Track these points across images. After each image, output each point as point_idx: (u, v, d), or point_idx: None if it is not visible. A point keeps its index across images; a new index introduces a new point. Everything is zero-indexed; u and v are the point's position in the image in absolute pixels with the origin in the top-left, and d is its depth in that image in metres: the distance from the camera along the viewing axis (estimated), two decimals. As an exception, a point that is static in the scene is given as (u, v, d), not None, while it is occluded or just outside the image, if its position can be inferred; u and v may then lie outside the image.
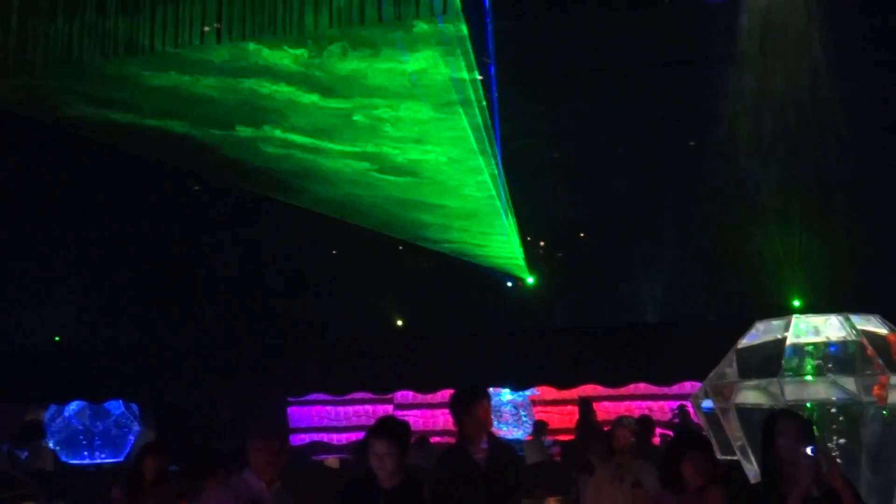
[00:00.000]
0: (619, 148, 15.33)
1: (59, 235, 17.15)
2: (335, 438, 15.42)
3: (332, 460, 12.90)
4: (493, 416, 5.48)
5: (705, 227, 14.51)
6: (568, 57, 12.34)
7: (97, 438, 13.41)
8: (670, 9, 11.48)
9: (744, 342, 6.81)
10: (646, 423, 8.71)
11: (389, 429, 4.44)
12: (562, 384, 9.92)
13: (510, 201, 14.60)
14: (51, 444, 13.28)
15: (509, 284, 17.55)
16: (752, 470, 6.89)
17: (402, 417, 10.74)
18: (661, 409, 14.74)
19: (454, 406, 5.28)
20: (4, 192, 15.46)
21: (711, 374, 6.63)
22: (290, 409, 15.19)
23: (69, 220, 17.28)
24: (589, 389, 13.49)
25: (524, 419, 14.64)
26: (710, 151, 14.29)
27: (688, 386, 13.11)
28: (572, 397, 14.98)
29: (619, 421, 6.97)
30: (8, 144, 14.59)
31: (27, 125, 13.80)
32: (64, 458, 13.07)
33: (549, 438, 12.64)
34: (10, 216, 15.66)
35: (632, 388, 13.77)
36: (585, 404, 10.49)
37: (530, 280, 17.49)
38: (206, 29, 8.81)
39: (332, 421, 15.48)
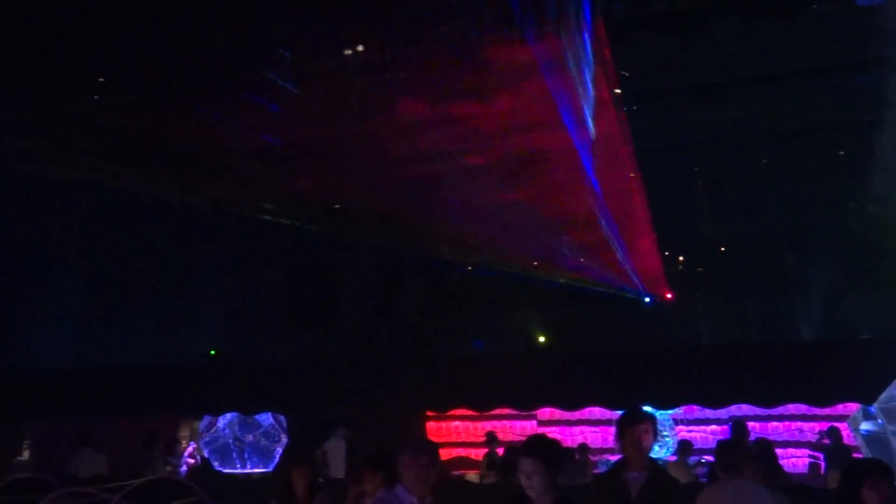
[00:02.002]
0: (763, 159, 14.79)
1: (210, 257, 18.05)
2: (473, 453, 15.47)
3: (472, 475, 12.94)
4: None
5: (862, 239, 13.80)
6: (710, 67, 12.02)
7: (248, 449, 13.95)
8: (819, 14, 10.96)
9: (917, 362, 6.40)
10: (764, 447, 8.27)
11: (538, 447, 4.32)
12: (711, 403, 9.60)
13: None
14: (205, 453, 13.94)
15: (647, 300, 17.22)
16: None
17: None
18: (812, 430, 14.09)
19: (617, 427, 5.20)
20: (157, 218, 16.36)
21: (882, 396, 6.25)
22: (429, 424, 15.36)
23: (218, 242, 18.15)
24: (734, 408, 13.03)
25: (666, 438, 14.28)
26: (862, 160, 13.61)
27: (840, 407, 12.46)
28: (716, 416, 14.52)
29: None
30: (155, 171, 15.45)
31: (175, 150, 14.60)
32: (218, 467, 13.67)
33: (693, 459, 12.28)
34: (165, 241, 16.56)
35: (779, 409, 13.22)
36: (739, 426, 10.12)
37: (669, 296, 17.11)
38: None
39: (473, 436, 15.54)
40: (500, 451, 11.79)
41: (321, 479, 7.20)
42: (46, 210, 14.96)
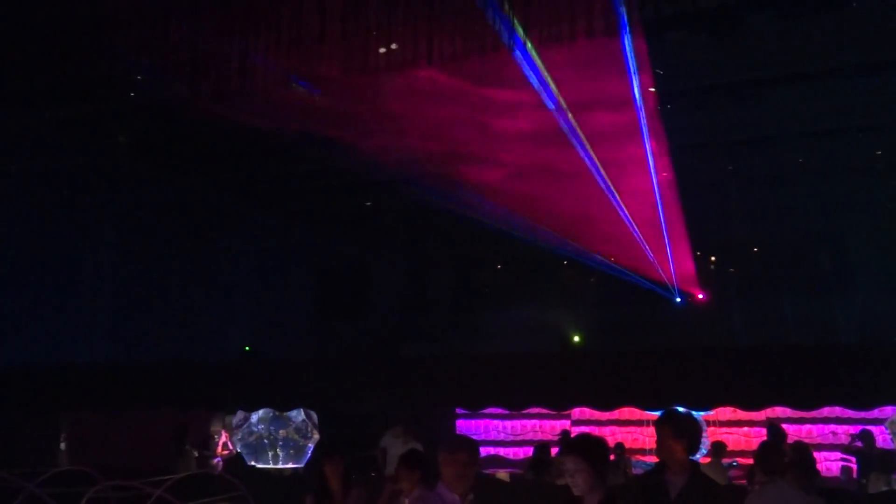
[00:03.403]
0: (799, 158, 14.61)
1: (243, 254, 18.18)
2: (503, 452, 15.51)
3: (502, 474, 12.93)
4: None
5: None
6: (745, 66, 11.87)
7: (279, 444, 14.08)
8: (856, 12, 10.78)
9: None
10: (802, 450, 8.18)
11: (581, 445, 4.28)
12: (746, 405, 9.52)
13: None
14: (238, 448, 14.08)
15: (679, 300, 17.15)
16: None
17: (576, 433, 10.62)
18: (846, 433, 13.97)
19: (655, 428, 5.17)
20: (191, 214, 16.52)
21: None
22: (459, 422, 15.38)
23: (251, 239, 18.28)
24: (766, 410, 12.90)
25: (697, 439, 14.18)
26: (899, 161, 13.42)
27: (875, 410, 12.30)
28: (748, 418, 14.40)
29: None
30: (187, 177, 15.59)
31: (205, 156, 14.71)
32: (252, 463, 13.83)
33: (725, 461, 12.19)
34: (198, 237, 16.70)
35: (813, 411, 13.09)
36: (775, 429, 10.05)
37: (700, 296, 17.04)
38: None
39: (505, 435, 15.58)
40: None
41: (354, 476, 7.22)
42: (80, 207, 15.13)
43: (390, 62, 9.72)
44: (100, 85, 12.34)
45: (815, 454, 9.87)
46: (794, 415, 13.45)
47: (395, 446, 10.64)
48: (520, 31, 8.95)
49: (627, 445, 13.95)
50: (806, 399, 8.78)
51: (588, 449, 4.14)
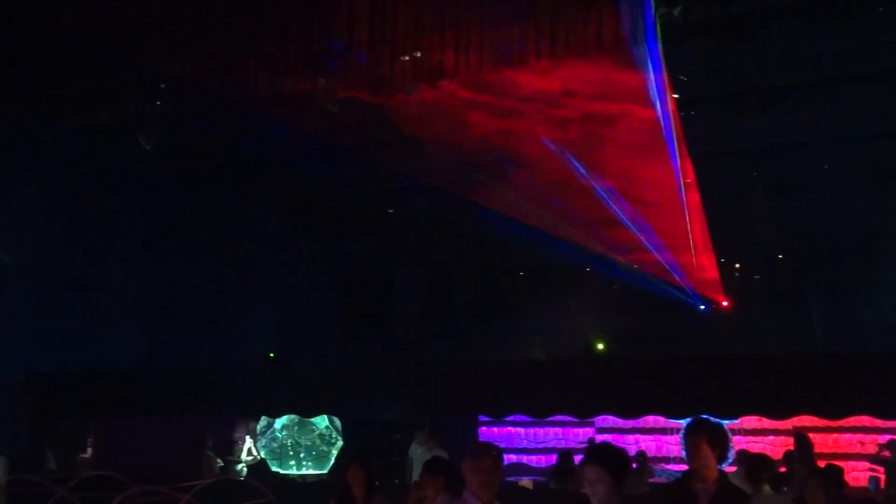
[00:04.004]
0: (824, 165, 14.50)
1: (265, 262, 18.28)
2: (526, 459, 15.50)
3: (526, 482, 12.93)
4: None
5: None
6: (769, 72, 11.81)
7: (303, 451, 14.10)
8: (884, 17, 10.68)
9: None
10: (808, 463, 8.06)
11: (602, 455, 4.30)
12: (773, 414, 9.45)
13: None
14: (262, 454, 14.16)
15: (702, 307, 17.07)
16: None
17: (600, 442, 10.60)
18: (874, 443, 13.83)
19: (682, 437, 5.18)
20: (216, 230, 16.64)
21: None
22: (482, 430, 15.38)
23: (275, 245, 18.38)
24: (795, 420, 12.77)
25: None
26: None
27: (898, 421, 12.15)
28: (774, 427, 14.28)
29: None
30: (211, 184, 15.69)
31: (231, 160, 14.81)
32: (275, 469, 13.90)
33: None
34: (223, 250, 16.82)
35: (841, 420, 12.95)
36: (802, 438, 9.96)
37: (725, 303, 16.94)
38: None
39: (529, 442, 15.57)
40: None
41: (377, 482, 7.25)
42: (106, 214, 15.27)
43: (417, 70, 9.78)
44: (126, 93, 12.46)
45: (842, 464, 9.80)
46: (821, 424, 13.30)
47: (419, 453, 10.63)
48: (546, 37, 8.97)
49: (651, 453, 13.90)
50: (833, 408, 8.70)
51: (609, 459, 4.16)
